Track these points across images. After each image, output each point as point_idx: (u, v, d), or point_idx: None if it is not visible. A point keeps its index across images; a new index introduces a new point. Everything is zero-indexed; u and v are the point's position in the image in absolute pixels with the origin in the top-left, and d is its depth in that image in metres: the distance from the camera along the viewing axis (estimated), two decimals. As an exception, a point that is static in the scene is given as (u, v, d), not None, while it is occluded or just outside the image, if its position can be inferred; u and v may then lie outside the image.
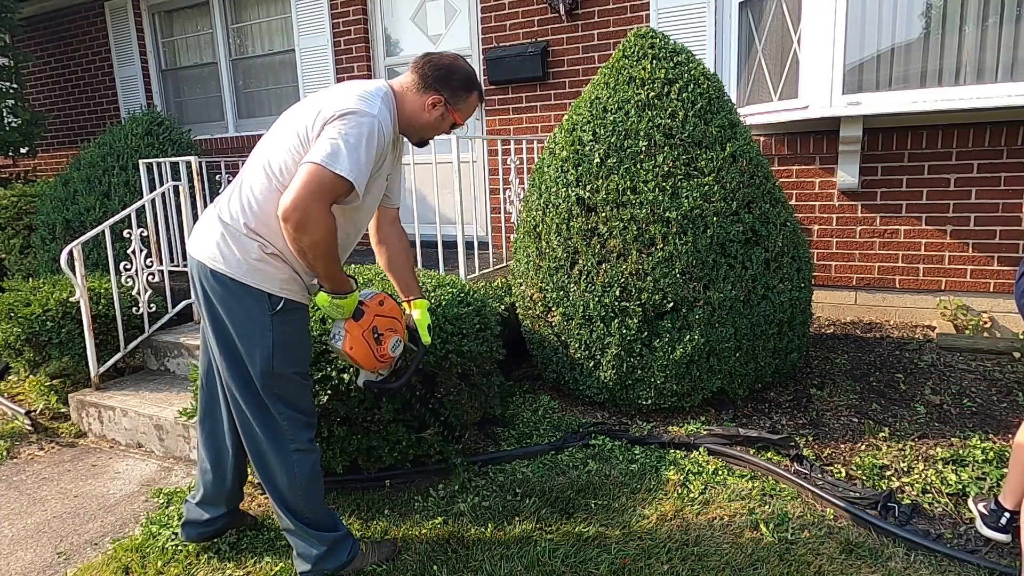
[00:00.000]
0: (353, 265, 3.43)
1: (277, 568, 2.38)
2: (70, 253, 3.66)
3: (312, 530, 2.20)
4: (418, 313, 2.38)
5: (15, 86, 7.18)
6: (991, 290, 4.12)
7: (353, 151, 1.87)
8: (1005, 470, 2.63)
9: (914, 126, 4.12)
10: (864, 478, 2.67)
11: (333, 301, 2.05)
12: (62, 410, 3.97)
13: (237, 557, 2.46)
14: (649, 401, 3.19)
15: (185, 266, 4.53)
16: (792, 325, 3.29)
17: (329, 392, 2.59)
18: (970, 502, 2.43)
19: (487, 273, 4.29)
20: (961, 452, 2.79)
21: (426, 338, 2.37)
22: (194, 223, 4.35)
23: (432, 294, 2.96)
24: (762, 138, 4.55)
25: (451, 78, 2.10)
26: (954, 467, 2.71)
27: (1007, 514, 2.22)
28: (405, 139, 2.24)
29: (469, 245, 4.12)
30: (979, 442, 2.86)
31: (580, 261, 3.20)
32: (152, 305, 4.10)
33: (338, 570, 2.23)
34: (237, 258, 1.96)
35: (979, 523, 2.31)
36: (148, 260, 4.12)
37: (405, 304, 2.41)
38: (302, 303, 2.10)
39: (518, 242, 3.62)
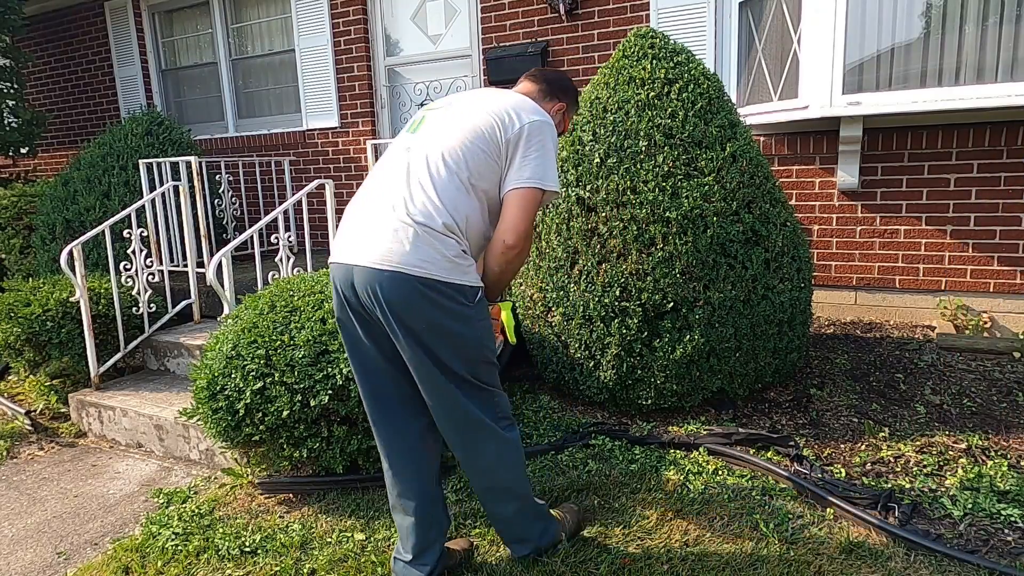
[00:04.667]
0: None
1: (277, 568, 2.38)
2: (70, 253, 3.66)
3: (531, 506, 2.24)
4: (504, 315, 2.38)
5: (15, 86, 7.18)
6: (991, 290, 4.12)
7: (553, 161, 2.01)
8: (1004, 469, 2.64)
9: (914, 126, 4.12)
10: (864, 478, 2.67)
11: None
12: (62, 410, 3.97)
13: (238, 557, 2.46)
14: (649, 401, 3.19)
15: (185, 266, 4.53)
16: (792, 325, 3.29)
17: (330, 392, 2.59)
18: None
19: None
20: (961, 452, 2.80)
21: (512, 338, 2.38)
22: (194, 223, 4.35)
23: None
24: (762, 138, 4.55)
25: (569, 89, 2.27)
26: (954, 467, 2.71)
27: None
28: None
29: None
30: (979, 442, 2.86)
31: (580, 261, 3.20)
32: (152, 305, 4.10)
33: (553, 544, 2.29)
34: (440, 257, 1.89)
35: None
36: (148, 260, 4.12)
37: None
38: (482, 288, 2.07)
39: (518, 242, 3.62)
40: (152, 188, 4.46)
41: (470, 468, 2.16)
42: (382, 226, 1.92)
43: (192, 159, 4.22)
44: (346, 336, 2.09)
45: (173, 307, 4.28)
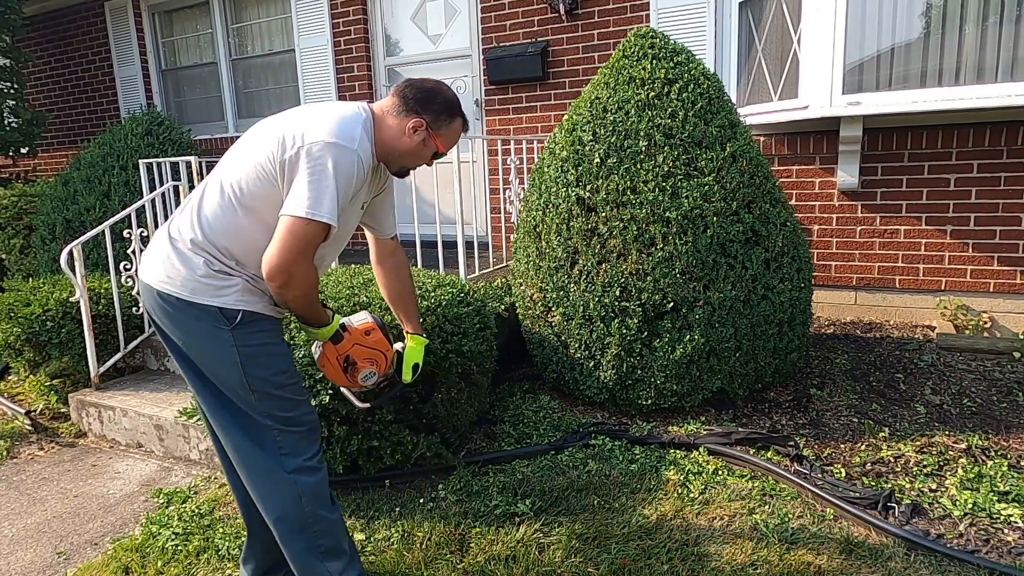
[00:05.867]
0: (354, 265, 3.43)
1: (277, 568, 2.38)
2: (70, 253, 3.66)
3: (322, 561, 2.01)
4: (407, 347, 2.29)
5: (16, 86, 7.18)
6: (991, 290, 4.12)
7: (332, 192, 1.77)
8: (1004, 469, 2.64)
9: (914, 126, 4.12)
10: (864, 478, 2.67)
11: (309, 330, 2.01)
12: (62, 410, 3.96)
13: (238, 557, 2.46)
14: (649, 401, 3.19)
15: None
16: (792, 325, 3.29)
17: (330, 392, 2.59)
18: None
19: (487, 273, 4.29)
20: (961, 452, 2.80)
21: (406, 376, 2.27)
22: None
23: (432, 294, 2.96)
24: (762, 138, 4.55)
25: (433, 100, 1.97)
26: (954, 467, 2.71)
27: None
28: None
29: (469, 245, 4.11)
30: (979, 442, 2.86)
31: (580, 261, 3.20)
32: (152, 305, 4.09)
33: None
34: (183, 276, 1.85)
35: None
36: (148, 260, 4.11)
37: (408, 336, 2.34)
38: (266, 315, 1.94)
39: (518, 242, 3.62)
40: (152, 188, 4.45)
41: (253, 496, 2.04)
42: (152, 241, 1.97)
43: (192, 159, 4.22)
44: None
45: (173, 307, 4.27)
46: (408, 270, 2.35)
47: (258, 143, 1.87)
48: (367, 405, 2.32)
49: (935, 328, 4.11)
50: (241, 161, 1.88)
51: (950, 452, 2.82)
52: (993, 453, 2.79)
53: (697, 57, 3.41)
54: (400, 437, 2.76)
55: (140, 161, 4.60)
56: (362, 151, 1.84)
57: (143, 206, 4.10)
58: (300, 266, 1.79)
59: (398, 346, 2.30)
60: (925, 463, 2.74)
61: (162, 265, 1.89)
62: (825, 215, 4.47)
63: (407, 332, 2.34)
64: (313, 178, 1.76)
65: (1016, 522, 2.35)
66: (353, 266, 3.40)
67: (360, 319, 2.15)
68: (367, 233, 2.29)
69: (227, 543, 2.53)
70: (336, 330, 2.04)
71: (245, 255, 1.87)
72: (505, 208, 4.56)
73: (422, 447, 2.83)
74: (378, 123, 1.97)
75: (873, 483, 2.63)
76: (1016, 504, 2.43)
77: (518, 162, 4.47)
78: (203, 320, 1.87)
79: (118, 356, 3.95)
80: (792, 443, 2.89)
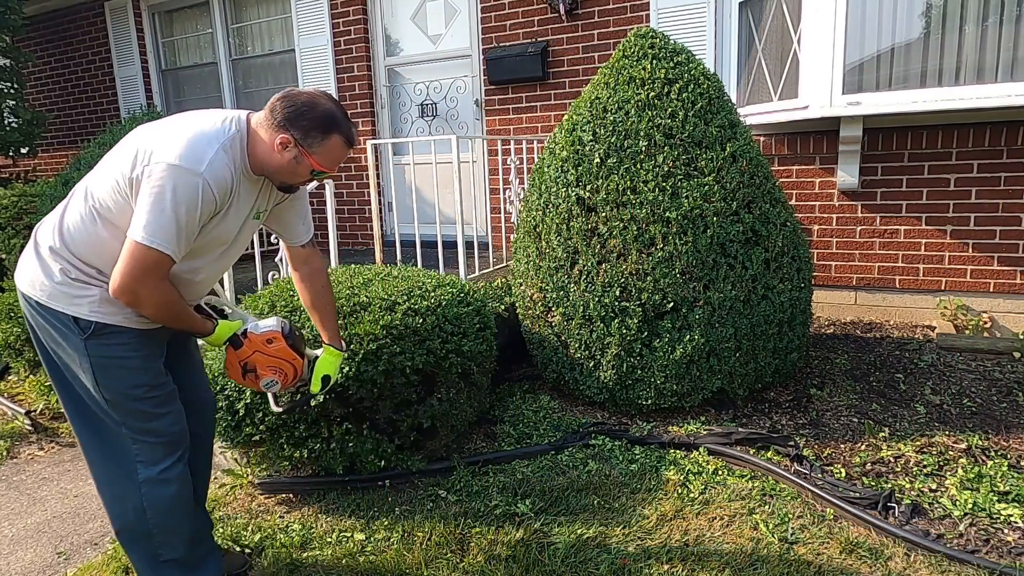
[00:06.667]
0: (354, 265, 3.43)
1: (276, 568, 2.38)
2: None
3: (158, 571, 2.02)
4: (320, 358, 2.25)
5: (16, 86, 7.18)
6: (991, 290, 4.12)
7: (170, 220, 1.70)
8: (1004, 469, 2.64)
9: (914, 126, 4.12)
10: (864, 478, 2.67)
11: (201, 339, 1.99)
12: (62, 410, 3.96)
13: (237, 557, 2.46)
14: (649, 401, 3.19)
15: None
16: (792, 325, 3.29)
17: (326, 393, 2.59)
18: None
19: (487, 273, 4.29)
20: (961, 452, 2.80)
21: (315, 387, 2.22)
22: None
23: (432, 294, 2.96)
24: (762, 138, 4.55)
25: (302, 116, 1.83)
26: (954, 467, 2.71)
27: None
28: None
29: (469, 245, 4.12)
30: (979, 442, 2.86)
31: (580, 261, 3.20)
32: (152, 305, 4.10)
33: None
34: (41, 281, 1.85)
35: None
36: (148, 260, 4.11)
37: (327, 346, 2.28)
38: (127, 327, 1.88)
39: (518, 242, 3.62)
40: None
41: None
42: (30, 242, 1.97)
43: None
44: None
45: (173, 307, 4.27)
46: (325, 278, 2.28)
47: (119, 154, 1.82)
48: (280, 410, 2.29)
49: (935, 328, 4.11)
50: (104, 170, 1.84)
51: (950, 452, 2.82)
52: (993, 453, 2.79)
53: (697, 57, 3.41)
54: (391, 439, 2.75)
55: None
56: (211, 174, 1.75)
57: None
58: (144, 287, 1.75)
59: (318, 352, 2.26)
60: (925, 463, 2.74)
61: (26, 268, 1.90)
62: (825, 215, 4.47)
63: (323, 342, 2.29)
64: (152, 203, 1.70)
65: (1016, 522, 2.35)
66: (353, 266, 3.40)
67: (267, 326, 2.09)
68: (280, 239, 2.24)
69: (227, 543, 2.53)
70: (233, 335, 2.02)
71: (104, 266, 1.83)
72: (505, 208, 4.56)
73: (423, 444, 2.83)
74: (252, 136, 1.88)
75: (873, 483, 2.63)
76: (1016, 504, 2.43)
77: (518, 162, 4.47)
78: (59, 326, 1.87)
79: (118, 356, 3.95)
80: (792, 443, 2.89)
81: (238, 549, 2.47)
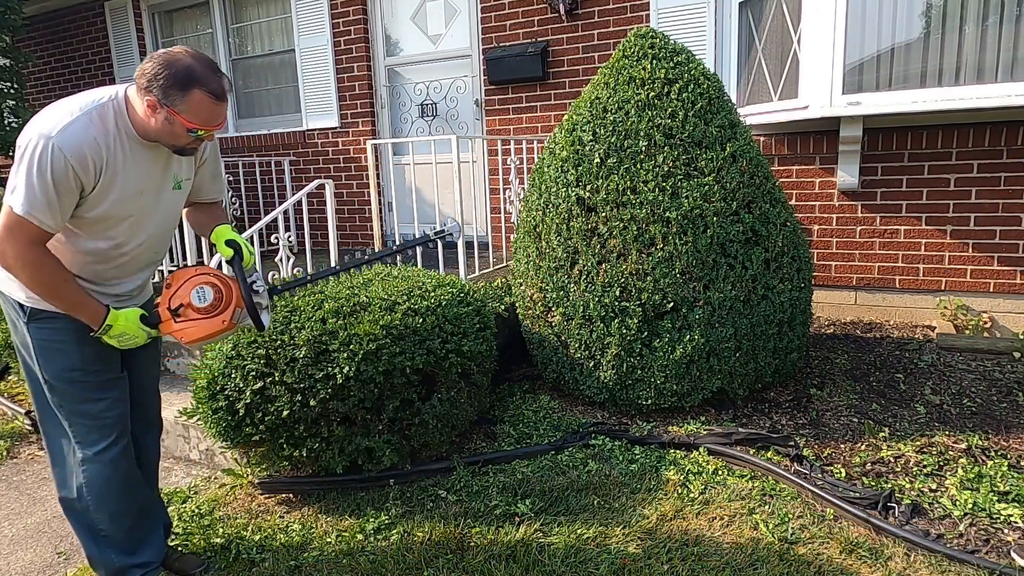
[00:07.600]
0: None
1: (276, 568, 2.37)
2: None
3: (104, 548, 2.17)
4: (216, 235, 2.19)
5: (15, 86, 7.18)
6: (991, 290, 4.12)
7: (29, 183, 1.75)
8: (1004, 469, 2.64)
9: (914, 126, 4.12)
10: (864, 478, 2.67)
11: (102, 336, 1.96)
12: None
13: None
14: (649, 401, 3.19)
15: (185, 266, 4.53)
16: (792, 325, 3.29)
17: (330, 391, 2.59)
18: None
19: (487, 273, 4.29)
20: (961, 452, 2.80)
21: (226, 253, 2.14)
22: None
23: (432, 294, 2.96)
24: (762, 138, 4.55)
25: (159, 76, 1.77)
26: (954, 467, 2.71)
27: None
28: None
29: (469, 245, 4.12)
30: (979, 442, 2.86)
31: (580, 261, 3.20)
32: (152, 305, 4.10)
33: None
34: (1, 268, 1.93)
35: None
36: (148, 260, 4.11)
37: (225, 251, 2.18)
38: (60, 313, 1.96)
39: (518, 242, 3.62)
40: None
41: None
42: None
43: (192, 159, 4.21)
44: None
45: (173, 307, 4.27)
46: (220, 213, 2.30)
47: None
48: (255, 318, 2.10)
49: (935, 328, 4.11)
50: None
51: (950, 452, 2.82)
52: (993, 453, 2.79)
53: (697, 57, 3.42)
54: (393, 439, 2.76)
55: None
56: (63, 138, 1.75)
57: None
58: (10, 248, 1.81)
59: (217, 235, 2.17)
60: (925, 463, 2.74)
61: None
62: (825, 215, 4.47)
63: (215, 230, 2.22)
64: (17, 168, 1.78)
65: (1016, 522, 2.35)
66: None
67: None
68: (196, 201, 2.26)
69: (204, 544, 2.53)
70: (142, 314, 2.01)
71: None
72: (505, 208, 4.56)
73: (423, 440, 2.83)
74: (131, 104, 1.88)
75: (873, 483, 2.63)
76: (1016, 504, 2.43)
77: (518, 162, 4.47)
78: (11, 312, 2.04)
79: (118, 356, 3.95)
80: (792, 443, 2.89)
81: (195, 552, 2.47)
